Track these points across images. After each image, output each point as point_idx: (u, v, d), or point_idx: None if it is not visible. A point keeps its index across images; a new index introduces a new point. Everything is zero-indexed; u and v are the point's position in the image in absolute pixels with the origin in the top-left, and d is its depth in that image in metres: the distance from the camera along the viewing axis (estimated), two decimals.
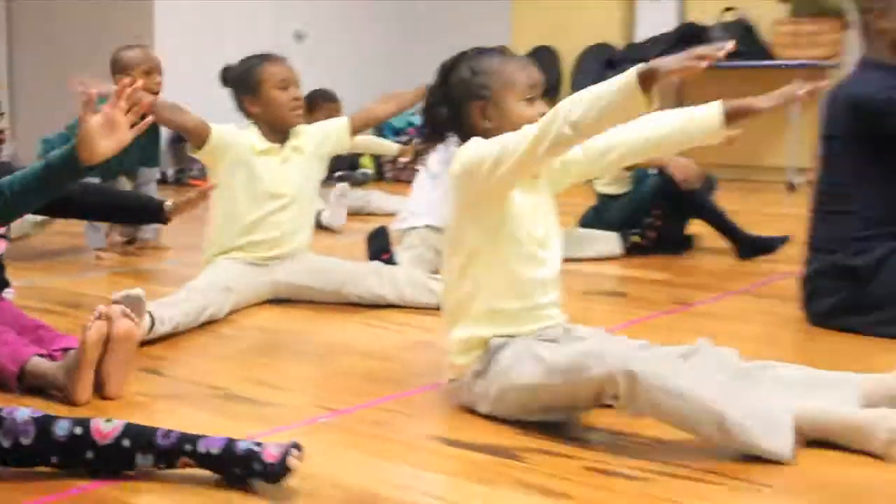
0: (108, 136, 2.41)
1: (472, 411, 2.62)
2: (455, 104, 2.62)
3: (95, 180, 4.55)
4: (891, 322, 3.31)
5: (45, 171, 2.44)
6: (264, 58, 3.95)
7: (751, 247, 4.80)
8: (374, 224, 4.77)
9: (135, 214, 3.59)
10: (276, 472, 2.08)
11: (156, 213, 3.59)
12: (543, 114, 2.48)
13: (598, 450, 2.34)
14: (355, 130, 4.18)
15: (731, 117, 2.70)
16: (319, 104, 6.59)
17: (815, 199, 3.57)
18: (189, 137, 3.90)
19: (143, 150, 5.03)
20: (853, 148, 3.45)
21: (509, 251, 2.56)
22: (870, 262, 3.35)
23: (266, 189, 3.90)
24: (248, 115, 3.96)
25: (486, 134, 2.56)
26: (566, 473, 2.22)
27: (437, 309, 2.97)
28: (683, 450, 2.35)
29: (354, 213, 6.48)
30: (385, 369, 3.10)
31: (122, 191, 4.20)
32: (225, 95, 4.00)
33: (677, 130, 2.69)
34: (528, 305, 2.60)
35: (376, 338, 3.51)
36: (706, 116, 2.69)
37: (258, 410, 2.71)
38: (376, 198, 7.01)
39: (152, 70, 5.03)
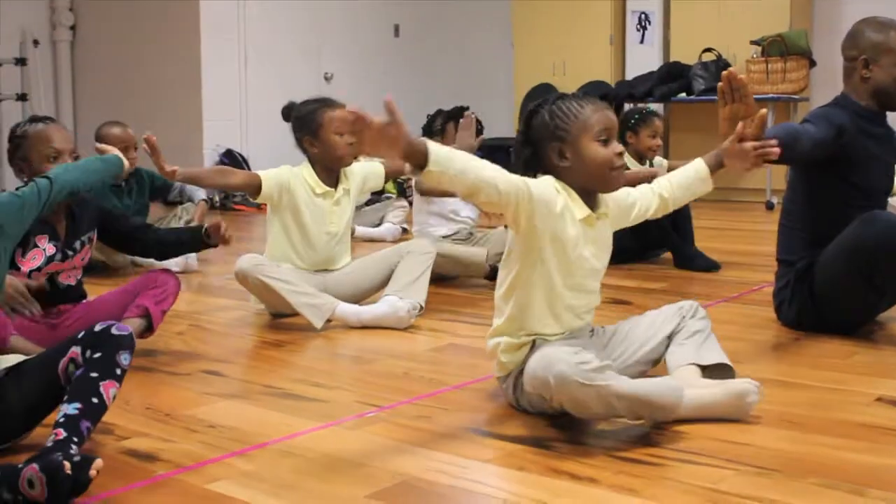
0: None
1: (509, 406, 2.62)
2: (536, 145, 2.59)
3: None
4: (836, 315, 3.34)
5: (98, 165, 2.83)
6: (326, 102, 3.92)
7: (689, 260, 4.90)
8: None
9: (190, 245, 3.55)
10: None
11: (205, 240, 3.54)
12: (619, 153, 2.52)
13: (620, 439, 2.33)
14: (387, 177, 4.23)
15: (714, 168, 2.89)
16: None
17: (780, 216, 3.59)
18: (245, 192, 3.91)
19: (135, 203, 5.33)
20: (801, 172, 3.48)
21: (555, 277, 2.54)
22: (810, 264, 3.38)
23: (321, 228, 3.90)
24: (306, 152, 3.94)
25: (564, 172, 2.55)
26: (593, 461, 2.20)
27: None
28: (698, 438, 2.35)
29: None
30: (422, 370, 3.09)
31: (176, 229, 4.20)
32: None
33: (692, 191, 2.86)
34: (564, 324, 2.60)
35: (412, 342, 3.50)
36: (704, 176, 2.86)
37: (310, 407, 2.71)
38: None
39: (129, 147, 5.05)
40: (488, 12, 10.54)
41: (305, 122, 3.89)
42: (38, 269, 3.06)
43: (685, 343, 2.67)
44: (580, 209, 2.55)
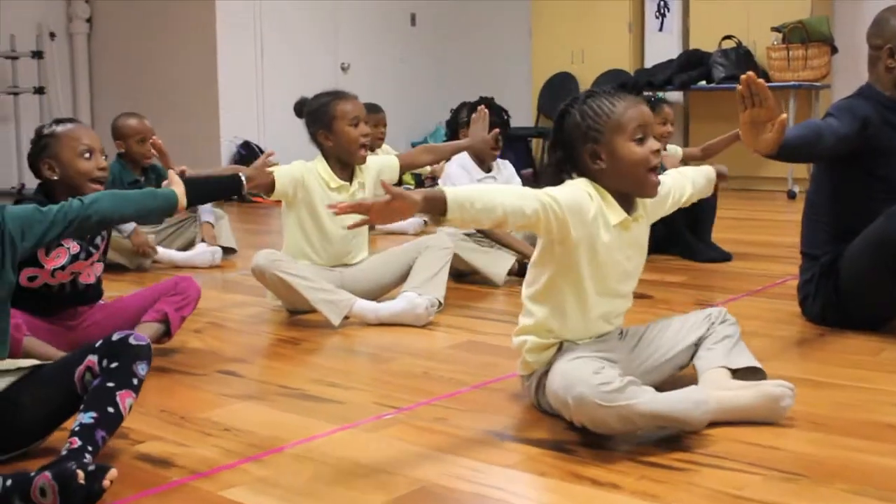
0: None
1: (531, 407, 2.58)
2: (568, 147, 2.51)
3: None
4: (861, 311, 3.27)
5: (149, 201, 2.72)
6: (338, 95, 3.88)
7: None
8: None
9: (223, 192, 3.51)
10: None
11: (238, 188, 3.47)
12: (655, 151, 2.44)
13: (645, 444, 2.27)
14: (402, 171, 4.16)
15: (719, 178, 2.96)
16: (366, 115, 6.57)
17: (804, 209, 3.52)
18: (258, 191, 3.86)
19: None
20: (825, 165, 3.41)
21: (587, 283, 2.48)
22: (834, 259, 3.32)
23: (336, 223, 3.83)
24: (320, 146, 3.90)
25: (598, 174, 2.46)
26: (615, 466, 2.16)
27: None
28: (723, 441, 2.30)
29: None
30: (440, 369, 3.05)
31: (205, 176, 4.15)
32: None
33: (703, 188, 2.86)
34: (593, 331, 2.55)
35: (430, 340, 3.45)
36: (712, 178, 2.91)
37: (327, 408, 2.67)
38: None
39: (145, 138, 5.06)
40: (507, 1, 10.46)
41: (318, 115, 3.85)
42: (62, 267, 3.01)
43: (714, 347, 2.60)
44: (615, 214, 2.46)
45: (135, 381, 2.19)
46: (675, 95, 8.91)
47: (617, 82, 8.86)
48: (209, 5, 8.76)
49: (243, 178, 3.18)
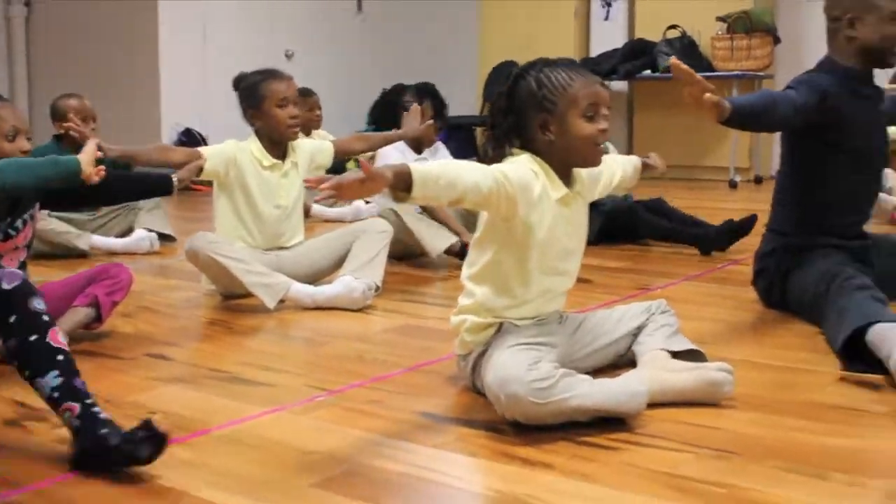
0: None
1: (465, 389, 2.55)
2: (519, 114, 2.46)
3: None
4: (803, 313, 3.25)
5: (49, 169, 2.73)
6: (269, 74, 3.83)
7: (715, 240, 4.68)
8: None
9: (150, 191, 3.47)
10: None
11: (168, 189, 3.43)
12: (603, 130, 2.42)
13: (579, 424, 2.22)
14: (336, 156, 4.14)
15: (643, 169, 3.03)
16: (301, 99, 6.53)
17: (774, 189, 3.50)
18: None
19: None
20: (791, 145, 3.40)
21: (531, 261, 2.45)
22: (796, 258, 3.31)
23: (269, 202, 3.81)
24: (252, 125, 3.85)
25: (546, 146, 2.44)
26: (547, 446, 2.12)
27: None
28: (657, 421, 2.28)
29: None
30: (375, 352, 3.00)
31: (136, 173, 4.09)
32: (224, 105, 3.91)
33: (631, 176, 2.95)
34: (534, 310, 2.51)
35: (366, 324, 3.40)
36: (639, 167, 3.00)
37: (257, 391, 2.62)
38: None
39: (87, 118, 5.01)
40: None
41: (249, 94, 3.81)
42: None
43: (654, 334, 2.61)
44: (557, 189, 2.44)
45: (45, 318, 2.12)
46: (619, 84, 8.92)
47: None
48: None
49: (174, 181, 3.13)
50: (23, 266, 3.12)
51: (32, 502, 1.90)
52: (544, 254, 2.46)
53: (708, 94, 2.82)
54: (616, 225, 4.83)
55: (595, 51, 9.14)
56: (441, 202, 2.32)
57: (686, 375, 2.42)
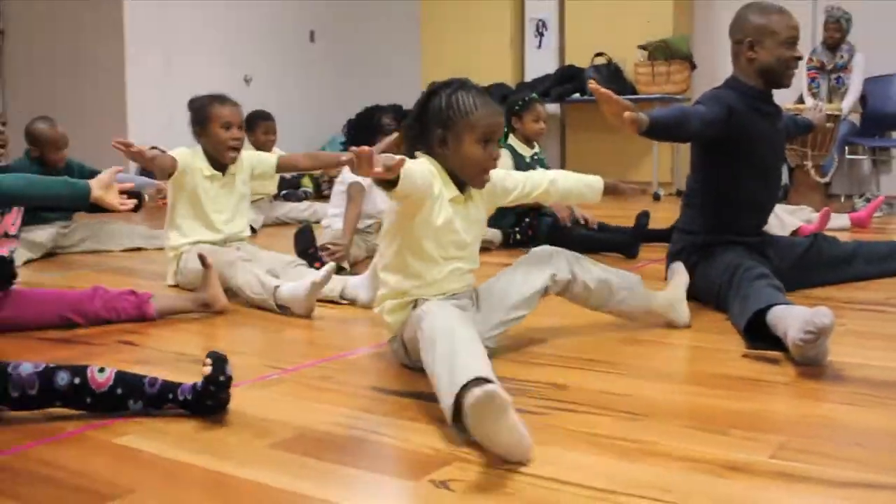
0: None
1: (403, 365, 2.60)
2: (425, 126, 2.55)
3: None
4: (710, 301, 3.34)
5: (61, 189, 2.76)
6: (216, 98, 3.96)
7: (632, 243, 4.78)
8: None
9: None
10: (225, 384, 2.18)
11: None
12: (494, 158, 2.52)
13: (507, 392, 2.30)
14: (279, 169, 4.21)
15: (608, 191, 3.03)
16: (257, 122, 6.64)
17: (684, 193, 3.62)
18: (168, 172, 3.87)
19: None
20: (700, 153, 3.51)
21: (432, 250, 2.53)
22: (702, 253, 3.41)
23: (210, 206, 3.95)
24: (197, 142, 3.99)
25: (442, 158, 2.53)
26: None
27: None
28: (575, 391, 2.36)
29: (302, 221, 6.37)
30: (325, 336, 3.07)
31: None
32: (187, 128, 3.99)
33: (577, 193, 2.96)
34: (443, 288, 2.58)
35: (317, 312, 3.43)
36: (596, 188, 2.99)
37: None
38: (320, 208, 6.90)
39: (59, 147, 5.01)
40: (398, 19, 10.49)
41: (196, 114, 3.95)
42: None
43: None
44: (450, 190, 2.55)
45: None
46: (552, 107, 9.02)
47: (499, 95, 8.98)
48: (118, 15, 8.60)
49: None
50: (12, 260, 3.12)
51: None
52: (441, 243, 2.54)
53: (627, 112, 2.92)
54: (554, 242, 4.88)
55: (529, 76, 9.25)
56: (414, 193, 2.39)
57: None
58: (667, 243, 4.55)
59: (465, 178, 2.57)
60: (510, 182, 2.78)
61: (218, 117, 3.88)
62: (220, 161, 3.95)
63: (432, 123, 2.53)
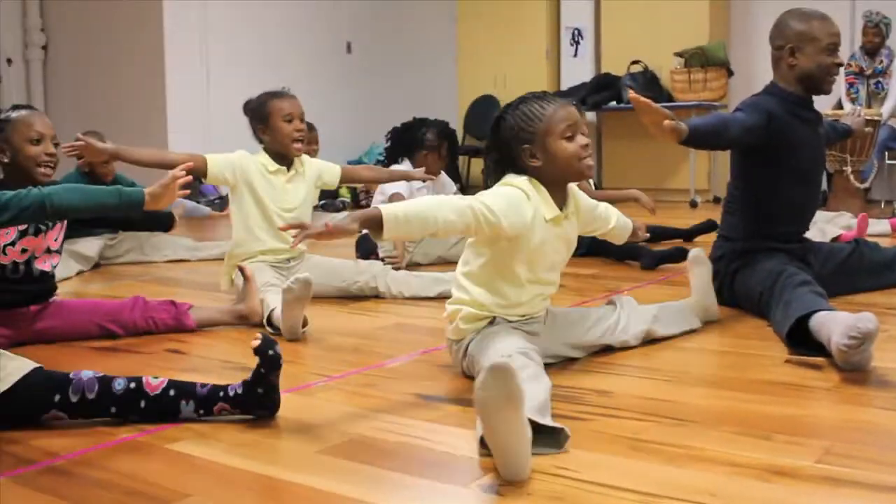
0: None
1: (454, 374, 2.64)
2: (507, 149, 2.56)
3: None
4: (752, 308, 3.34)
5: (110, 198, 2.78)
6: (275, 94, 3.90)
7: (651, 258, 4.76)
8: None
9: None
10: (276, 366, 2.26)
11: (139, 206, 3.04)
12: (584, 145, 2.52)
13: (554, 398, 2.32)
14: (342, 181, 4.20)
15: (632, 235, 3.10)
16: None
17: (725, 200, 3.62)
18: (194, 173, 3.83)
19: None
20: (740, 159, 3.50)
21: (521, 272, 2.55)
22: (743, 260, 3.41)
23: (276, 204, 3.84)
24: (260, 141, 3.91)
25: (537, 171, 2.53)
26: None
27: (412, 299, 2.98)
28: (620, 396, 2.38)
29: None
30: (368, 345, 3.09)
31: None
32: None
33: (621, 232, 3.01)
34: (523, 311, 2.61)
35: (359, 322, 3.49)
36: (628, 228, 3.05)
37: None
38: None
39: (109, 160, 5.02)
40: (434, 30, 10.55)
41: (257, 112, 3.88)
42: (12, 243, 2.99)
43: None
44: (550, 210, 2.53)
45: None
46: (588, 115, 9.04)
47: None
48: (158, 34, 8.72)
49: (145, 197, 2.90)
50: (53, 274, 3.18)
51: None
52: (533, 268, 2.56)
53: (667, 121, 2.93)
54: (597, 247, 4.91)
55: (565, 85, 9.28)
56: (416, 237, 2.42)
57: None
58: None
59: (570, 176, 2.56)
60: (598, 210, 2.84)
61: (279, 111, 3.82)
62: (286, 156, 3.88)
63: (514, 144, 2.54)
